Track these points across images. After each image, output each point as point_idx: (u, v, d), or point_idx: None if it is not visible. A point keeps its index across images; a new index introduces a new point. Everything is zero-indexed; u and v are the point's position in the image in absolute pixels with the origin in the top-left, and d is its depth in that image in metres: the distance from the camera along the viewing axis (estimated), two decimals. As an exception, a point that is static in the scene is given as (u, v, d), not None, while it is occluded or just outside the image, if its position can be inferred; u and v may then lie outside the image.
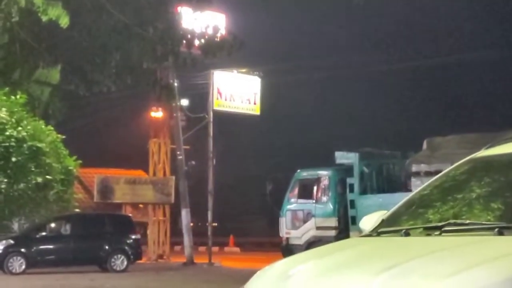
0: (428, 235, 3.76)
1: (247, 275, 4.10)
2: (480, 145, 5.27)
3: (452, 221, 3.76)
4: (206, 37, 15.63)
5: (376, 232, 4.12)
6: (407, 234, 3.85)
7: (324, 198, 21.96)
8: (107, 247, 23.34)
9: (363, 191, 21.37)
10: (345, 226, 21.35)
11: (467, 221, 3.72)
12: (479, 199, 3.95)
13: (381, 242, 3.97)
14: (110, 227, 24.04)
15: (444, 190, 4.28)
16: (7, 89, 17.27)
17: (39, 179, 19.33)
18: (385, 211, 4.36)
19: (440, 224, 3.78)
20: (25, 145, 19.10)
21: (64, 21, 13.63)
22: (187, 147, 29.38)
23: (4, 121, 18.92)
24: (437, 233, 3.71)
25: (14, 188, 18.84)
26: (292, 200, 22.52)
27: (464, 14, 45.86)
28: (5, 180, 18.74)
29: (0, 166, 18.85)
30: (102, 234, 23.65)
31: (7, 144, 18.93)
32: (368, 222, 4.34)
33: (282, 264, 3.87)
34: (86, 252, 23.05)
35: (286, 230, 22.43)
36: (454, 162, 4.73)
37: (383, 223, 4.20)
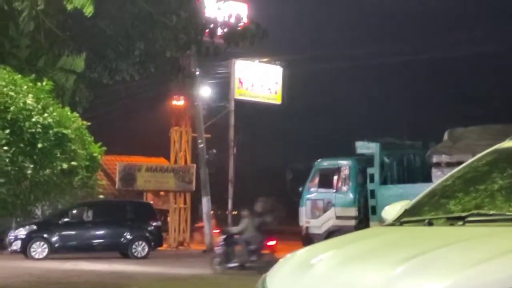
0: (452, 225, 3.77)
1: (267, 265, 4.13)
2: (502, 136, 5.25)
3: (475, 211, 3.76)
4: (229, 26, 15.70)
5: (399, 221, 4.13)
6: (430, 224, 3.86)
7: (344, 188, 21.97)
8: (128, 234, 23.53)
9: (384, 181, 21.34)
10: (365, 216, 21.35)
11: (491, 212, 3.71)
12: (502, 190, 3.94)
13: (404, 231, 3.97)
14: (131, 214, 24.23)
15: (466, 181, 4.28)
16: (33, 76, 17.46)
17: (65, 165, 19.53)
18: (408, 201, 4.36)
19: (463, 214, 3.78)
20: (51, 132, 19.30)
21: (89, 10, 13.73)
22: (208, 135, 29.52)
23: (31, 107, 19.13)
24: (460, 223, 3.72)
25: (40, 174, 19.02)
26: (312, 189, 22.54)
27: (487, 3, 45.47)
28: (31, 166, 18.95)
29: (26, 152, 19.06)
30: (124, 221, 23.84)
31: (34, 130, 19.15)
32: (390, 211, 4.34)
33: (304, 253, 3.89)
34: (107, 239, 23.27)
35: (306, 219, 22.48)
36: (476, 153, 4.73)
37: (406, 212, 4.21)
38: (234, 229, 18.27)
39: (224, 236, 18.12)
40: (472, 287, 2.93)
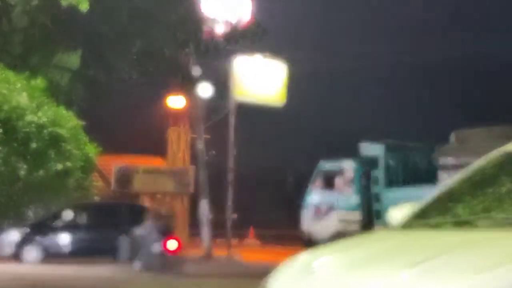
0: (459, 229, 3.73)
1: (268, 270, 4.03)
2: (509, 137, 5.13)
3: (483, 215, 3.75)
4: (229, 24, 15.42)
5: (405, 225, 4.07)
6: (437, 227, 3.84)
7: (348, 191, 21.72)
8: (123, 237, 23.22)
9: (389, 184, 21.09)
10: (368, 220, 21.06)
11: (499, 216, 3.67)
12: (510, 193, 3.90)
13: (411, 235, 3.91)
14: (126, 216, 23.92)
15: (474, 184, 4.24)
16: (27, 73, 17.17)
17: (59, 166, 19.27)
18: (414, 204, 4.30)
19: (471, 218, 3.78)
20: (45, 131, 19.02)
21: (84, 6, 13.49)
22: (208, 136, 29.14)
23: (24, 106, 18.87)
24: (468, 227, 3.70)
25: (33, 175, 18.75)
26: (314, 192, 22.36)
27: (498, 6, 45.31)
28: (25, 166, 18.68)
29: (19, 152, 18.79)
30: (118, 224, 23.52)
31: (27, 130, 18.86)
32: (396, 215, 4.28)
33: (307, 257, 3.85)
34: (101, 242, 22.93)
35: (307, 222, 22.28)
36: (482, 155, 4.75)
37: (412, 216, 4.14)
38: (138, 231, 19.00)
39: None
40: None
